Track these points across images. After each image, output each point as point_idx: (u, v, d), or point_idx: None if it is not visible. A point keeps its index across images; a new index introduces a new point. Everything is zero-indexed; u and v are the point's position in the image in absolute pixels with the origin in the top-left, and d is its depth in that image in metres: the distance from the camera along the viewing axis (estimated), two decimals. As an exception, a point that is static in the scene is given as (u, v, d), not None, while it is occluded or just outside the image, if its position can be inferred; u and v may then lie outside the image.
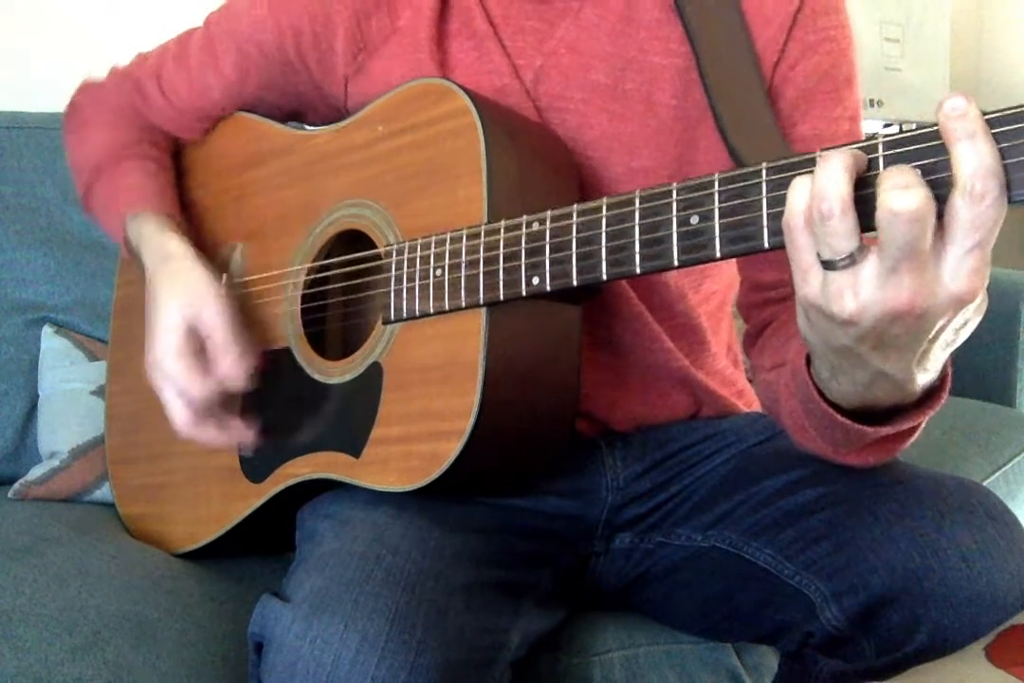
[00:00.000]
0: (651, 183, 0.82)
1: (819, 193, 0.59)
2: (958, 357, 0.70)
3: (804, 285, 0.63)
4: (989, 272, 0.59)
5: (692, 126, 0.94)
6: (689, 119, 0.94)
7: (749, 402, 1.09)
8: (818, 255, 0.61)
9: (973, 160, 0.56)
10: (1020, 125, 0.56)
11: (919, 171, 0.57)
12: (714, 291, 1.04)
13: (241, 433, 0.97)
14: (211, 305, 0.95)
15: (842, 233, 0.59)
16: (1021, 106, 0.56)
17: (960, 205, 0.56)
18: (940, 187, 0.57)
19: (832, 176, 0.59)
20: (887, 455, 0.80)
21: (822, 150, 0.62)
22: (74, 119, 1.18)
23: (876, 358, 0.65)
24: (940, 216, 0.57)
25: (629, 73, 0.94)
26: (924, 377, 0.68)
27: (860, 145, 0.61)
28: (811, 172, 0.61)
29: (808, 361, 0.75)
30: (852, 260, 0.59)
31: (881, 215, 0.57)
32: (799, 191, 0.61)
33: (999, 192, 0.56)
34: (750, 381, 1.13)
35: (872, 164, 0.60)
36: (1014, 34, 2.60)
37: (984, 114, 0.57)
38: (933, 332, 0.62)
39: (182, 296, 0.97)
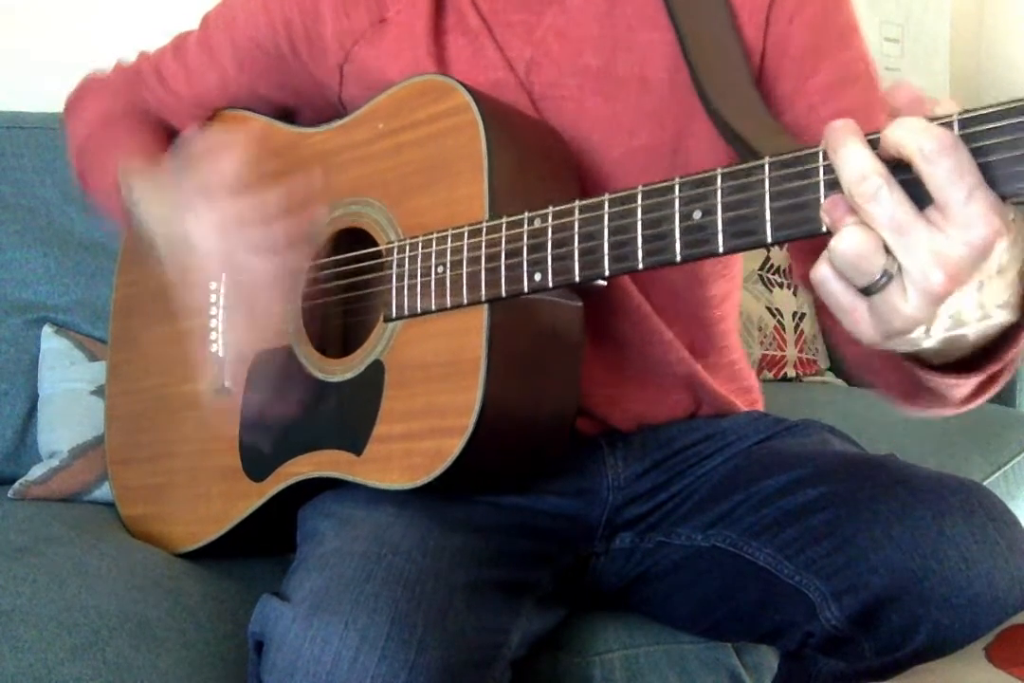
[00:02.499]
0: (653, 161, 0.82)
1: (844, 258, 0.59)
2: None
3: (858, 326, 0.62)
4: (1004, 210, 0.57)
5: (688, 99, 0.93)
6: (684, 92, 0.93)
7: (753, 401, 1.08)
8: (854, 289, 0.61)
9: (906, 130, 0.56)
10: (997, 124, 0.56)
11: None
12: (735, 275, 1.04)
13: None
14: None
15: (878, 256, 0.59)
16: (999, 105, 0.56)
17: (924, 169, 0.56)
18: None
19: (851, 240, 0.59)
20: (996, 388, 0.78)
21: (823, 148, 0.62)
22: (74, 103, 1.19)
23: (958, 328, 0.63)
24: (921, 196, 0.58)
25: (619, 53, 0.94)
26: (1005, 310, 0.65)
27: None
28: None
29: None
30: (889, 276, 0.59)
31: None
32: (822, 271, 0.61)
33: (952, 141, 0.56)
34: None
35: None
36: (1014, 34, 2.60)
37: (966, 112, 0.57)
38: (986, 276, 0.60)
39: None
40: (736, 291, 1.04)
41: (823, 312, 0.97)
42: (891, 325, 0.60)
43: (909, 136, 0.56)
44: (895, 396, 0.87)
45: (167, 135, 1.15)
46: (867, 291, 0.60)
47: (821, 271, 0.62)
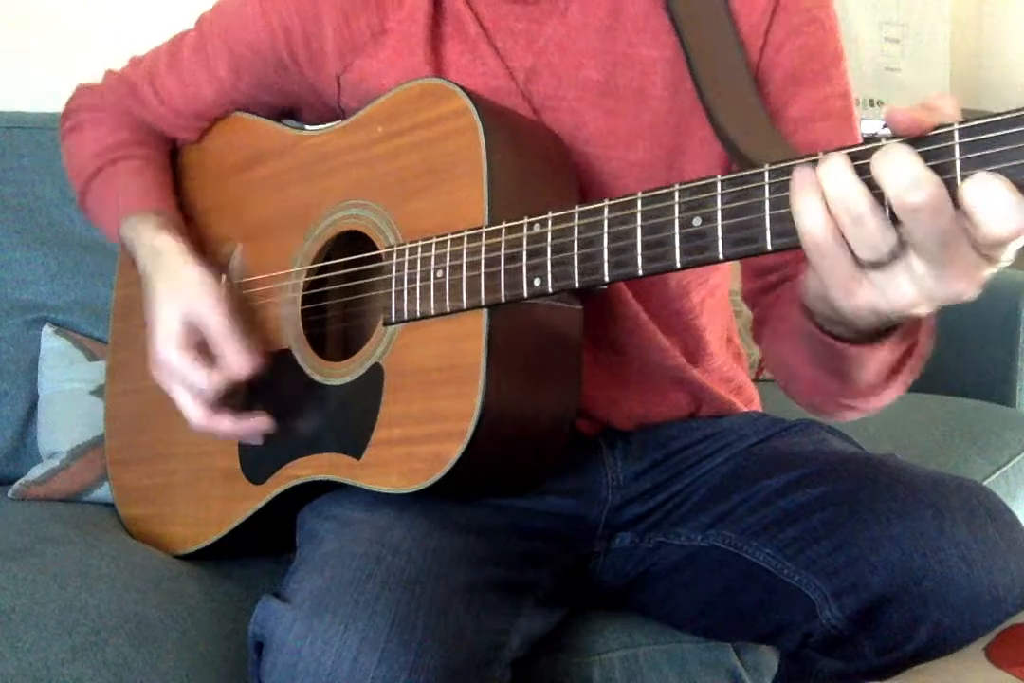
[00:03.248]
0: (648, 176, 0.81)
1: (840, 200, 0.59)
2: (958, 357, 0.69)
3: (851, 296, 0.63)
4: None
5: (686, 116, 0.94)
6: (683, 109, 0.94)
7: (748, 399, 1.09)
8: (855, 261, 0.61)
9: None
10: (996, 134, 0.56)
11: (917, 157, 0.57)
12: (718, 283, 1.04)
13: (256, 423, 0.96)
14: (206, 300, 0.96)
15: (880, 227, 0.59)
16: (999, 114, 0.56)
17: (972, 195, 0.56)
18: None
19: (845, 178, 0.59)
20: (913, 374, 0.80)
21: (824, 152, 0.62)
22: (70, 123, 1.19)
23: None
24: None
25: (620, 68, 0.94)
26: None
27: (862, 147, 0.61)
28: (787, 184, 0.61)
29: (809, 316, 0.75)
30: (894, 254, 0.60)
31: (902, 214, 0.58)
32: (809, 212, 0.61)
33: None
34: (754, 380, 1.13)
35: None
36: (1014, 34, 2.60)
37: (966, 122, 0.57)
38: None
39: (178, 294, 0.97)
40: (710, 299, 1.04)
41: (758, 327, 0.99)
42: (889, 305, 0.63)
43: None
44: (810, 396, 0.88)
45: (168, 155, 1.16)
46: (875, 266, 0.61)
47: (818, 233, 0.62)
